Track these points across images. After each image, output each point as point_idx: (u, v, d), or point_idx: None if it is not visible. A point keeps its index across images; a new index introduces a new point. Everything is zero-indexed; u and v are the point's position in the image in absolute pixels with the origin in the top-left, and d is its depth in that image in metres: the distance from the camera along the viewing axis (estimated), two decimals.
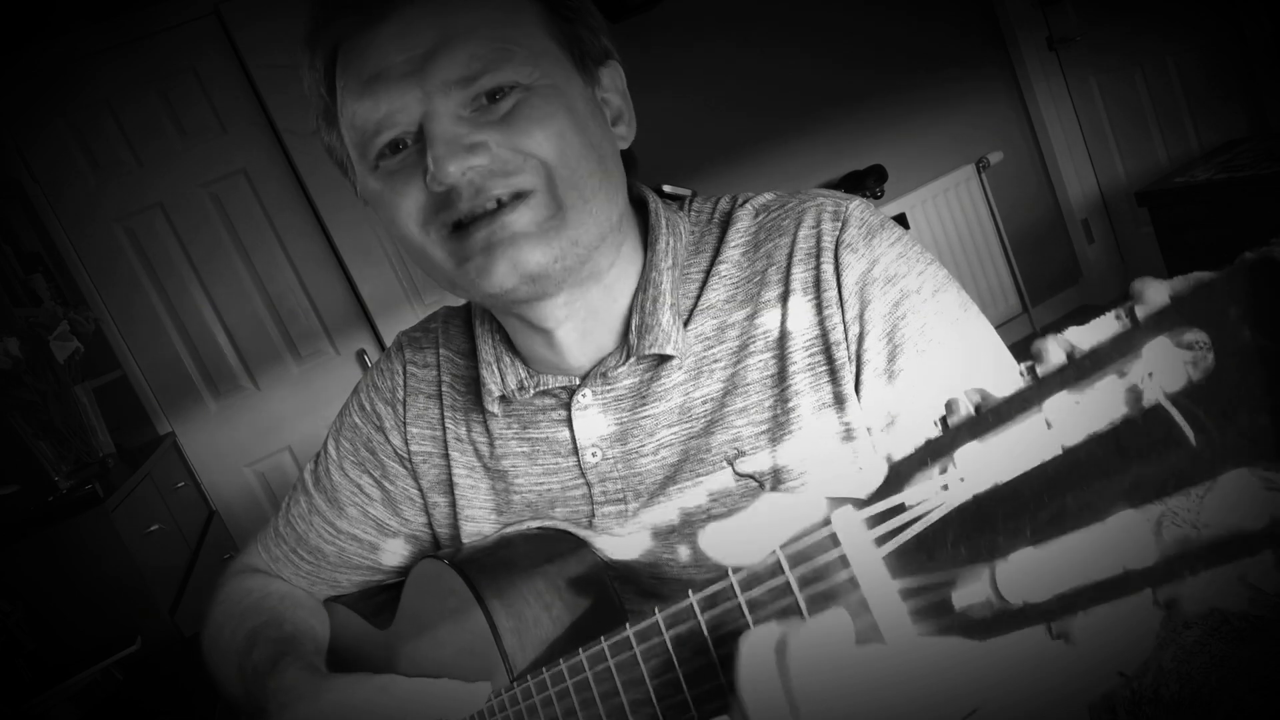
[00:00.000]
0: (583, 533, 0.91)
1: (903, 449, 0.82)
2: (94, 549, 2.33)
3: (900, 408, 0.81)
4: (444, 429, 1.01)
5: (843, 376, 0.82)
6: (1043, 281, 4.09)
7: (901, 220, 3.74)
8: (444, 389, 1.01)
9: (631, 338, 0.88)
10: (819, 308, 0.83)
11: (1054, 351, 0.34)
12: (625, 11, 3.42)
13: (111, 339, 3.27)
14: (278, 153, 3.38)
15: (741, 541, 0.52)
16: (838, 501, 0.47)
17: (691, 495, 0.87)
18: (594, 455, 0.91)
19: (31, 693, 2.15)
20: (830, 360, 0.83)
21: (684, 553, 0.88)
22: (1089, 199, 4.05)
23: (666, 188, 0.97)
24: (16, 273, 3.06)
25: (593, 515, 0.91)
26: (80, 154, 3.23)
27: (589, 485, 0.91)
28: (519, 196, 0.79)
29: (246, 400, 3.44)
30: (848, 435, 0.83)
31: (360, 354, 3.50)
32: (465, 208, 0.79)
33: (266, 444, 3.44)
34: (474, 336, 0.99)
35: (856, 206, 0.86)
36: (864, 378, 0.82)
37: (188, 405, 3.38)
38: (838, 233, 0.84)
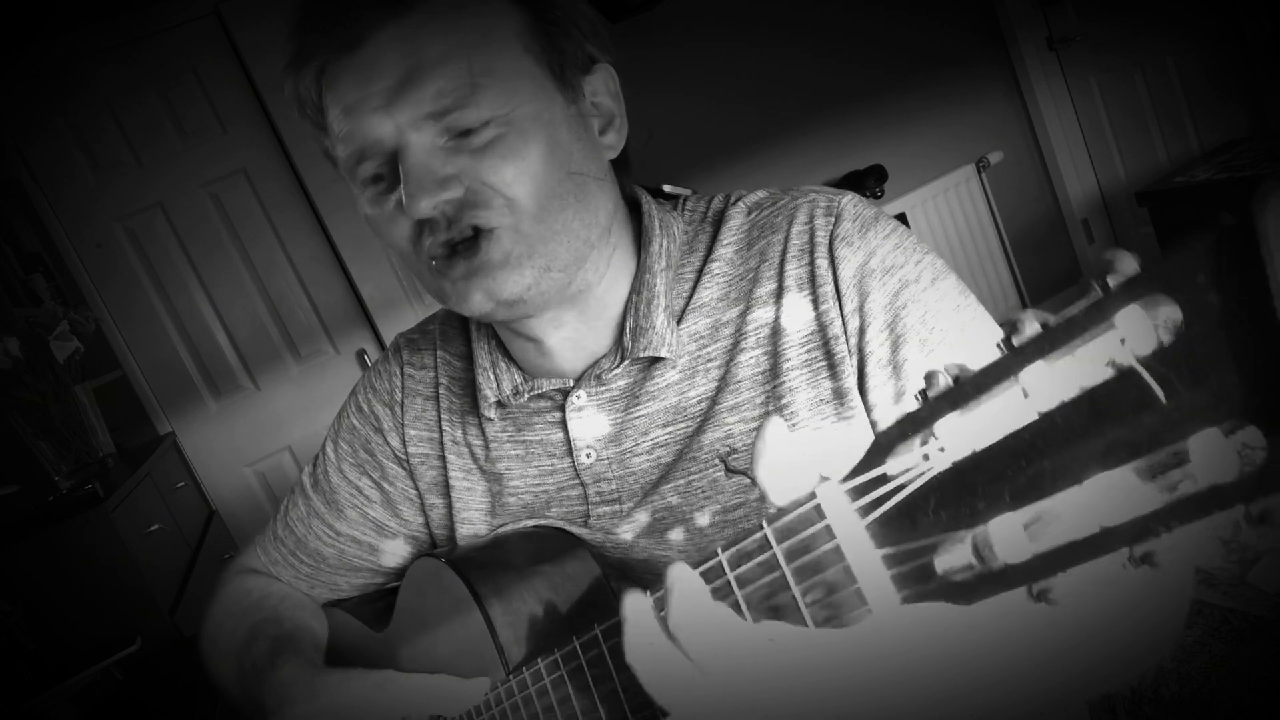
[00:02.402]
0: (578, 531, 0.92)
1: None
2: (94, 549, 2.34)
3: (906, 395, 0.81)
4: (440, 431, 1.01)
5: (842, 371, 0.82)
6: (1043, 281, 4.09)
7: (901, 220, 3.72)
8: (441, 391, 1.02)
9: (626, 340, 0.88)
10: (815, 303, 0.83)
11: (1029, 322, 0.35)
12: (625, 11, 3.42)
13: (111, 339, 3.28)
14: (278, 153, 3.38)
15: (793, 456, 0.52)
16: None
17: (682, 494, 0.87)
18: (588, 456, 0.91)
19: (31, 693, 2.15)
20: (829, 355, 0.83)
21: (675, 549, 0.88)
22: (1089, 199, 4.05)
23: (666, 187, 0.98)
24: (16, 273, 3.07)
25: (588, 515, 0.92)
26: (80, 154, 3.24)
27: (584, 486, 0.92)
28: (490, 230, 0.80)
29: (246, 400, 3.44)
30: (848, 429, 0.83)
31: (360, 354, 3.51)
32: (443, 237, 0.80)
33: (266, 444, 3.44)
34: (470, 340, 0.99)
35: (849, 201, 0.86)
36: (868, 370, 0.82)
37: (188, 405, 3.39)
38: (831, 227, 0.84)
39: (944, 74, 3.88)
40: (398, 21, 0.77)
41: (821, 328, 0.83)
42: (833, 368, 0.83)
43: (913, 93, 3.86)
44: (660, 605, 0.56)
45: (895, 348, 0.80)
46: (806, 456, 0.51)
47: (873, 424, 0.83)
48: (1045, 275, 4.09)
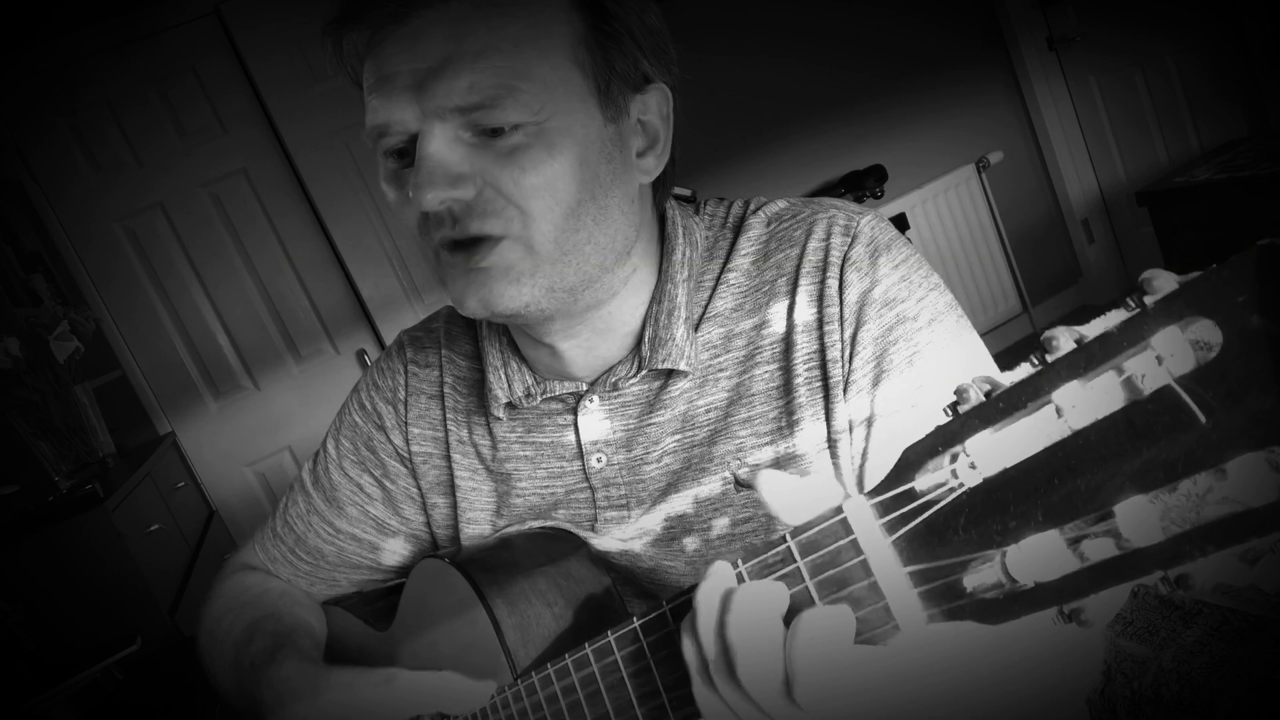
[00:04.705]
0: (584, 534, 0.91)
1: (876, 467, 0.82)
2: (94, 549, 2.33)
3: (873, 433, 0.81)
4: (446, 430, 1.00)
5: (836, 394, 0.82)
6: (1043, 281, 4.09)
7: (901, 220, 3.74)
8: (446, 390, 1.01)
9: (644, 349, 0.87)
10: (820, 322, 0.83)
11: (1064, 339, 0.35)
12: None
13: (111, 339, 3.27)
14: (278, 153, 3.37)
15: (800, 495, 0.52)
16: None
17: (692, 503, 0.87)
18: (599, 461, 0.91)
19: (31, 693, 2.14)
20: (825, 376, 0.83)
21: (683, 559, 0.88)
22: (1089, 199, 4.05)
23: None
24: (16, 273, 3.06)
25: (595, 519, 0.91)
26: (81, 154, 3.23)
27: (592, 490, 0.91)
28: (496, 238, 0.77)
29: (246, 400, 3.44)
30: (833, 451, 0.83)
31: (360, 354, 3.50)
32: (445, 234, 0.78)
33: (266, 444, 3.44)
34: (477, 338, 0.98)
35: (867, 223, 0.84)
36: (848, 395, 0.81)
37: (188, 405, 3.38)
38: (845, 249, 0.83)
39: (944, 74, 3.88)
40: (447, 4, 0.74)
41: (822, 348, 0.83)
42: (828, 389, 0.82)
43: (913, 93, 3.86)
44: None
45: (876, 381, 0.80)
46: (807, 483, 0.51)
47: (832, 442, 0.83)
48: (1045, 275, 4.10)
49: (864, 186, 3.69)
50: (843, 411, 0.82)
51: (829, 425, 0.83)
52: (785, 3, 3.68)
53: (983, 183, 3.89)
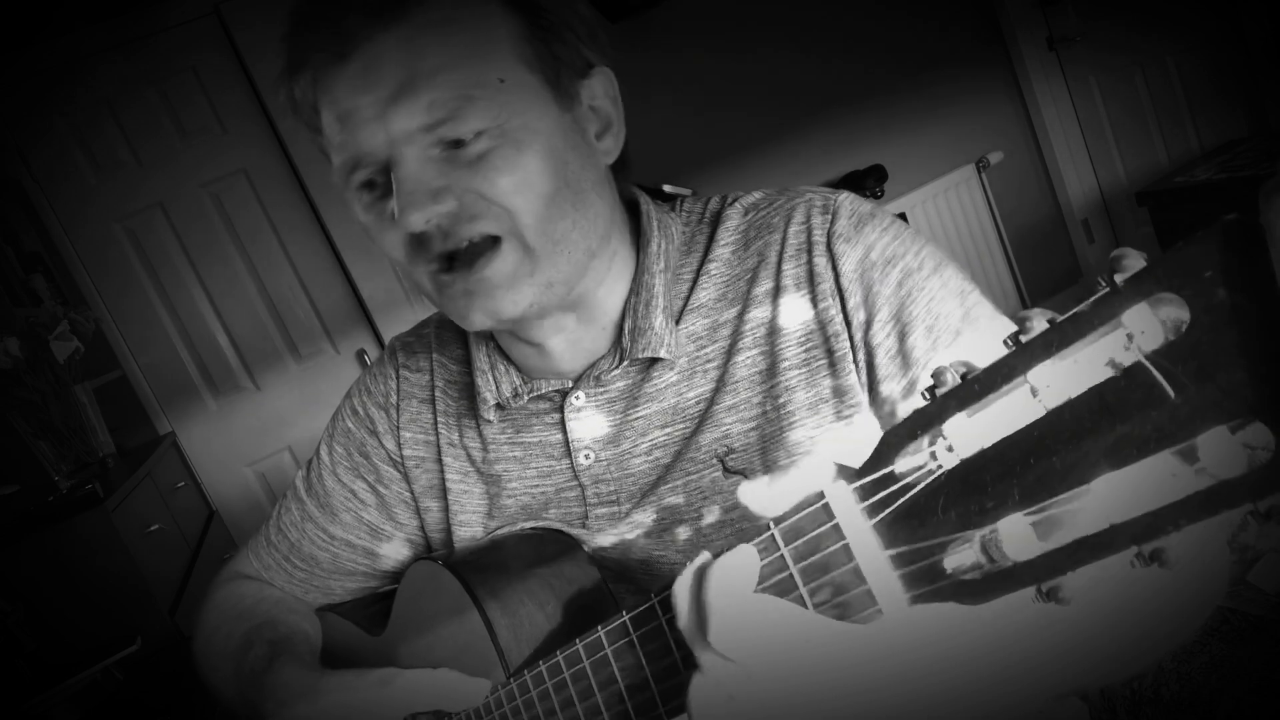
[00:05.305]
0: (576, 532, 0.92)
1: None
2: (94, 549, 2.34)
3: (919, 385, 0.80)
4: (437, 434, 1.00)
5: (843, 368, 0.82)
6: (1043, 281, 4.09)
7: (901, 220, 3.73)
8: (437, 394, 1.01)
9: (625, 340, 0.88)
10: (814, 301, 0.83)
11: (1037, 320, 0.35)
12: (625, 12, 3.42)
13: (111, 339, 3.28)
14: (278, 153, 3.38)
15: (778, 495, 0.52)
16: (844, 469, 0.48)
17: (682, 494, 0.87)
18: (587, 457, 0.91)
19: (31, 693, 2.15)
20: (830, 353, 0.83)
21: (674, 549, 0.88)
22: (1089, 199, 4.05)
23: (666, 187, 0.97)
24: (16, 273, 3.07)
25: (586, 516, 0.91)
26: (80, 154, 3.24)
27: (582, 487, 0.92)
28: (490, 241, 0.79)
29: (246, 400, 3.44)
30: (848, 427, 0.83)
31: (360, 354, 3.51)
32: (438, 249, 0.80)
33: (266, 444, 3.44)
34: (467, 343, 0.99)
35: (845, 199, 0.86)
36: (878, 362, 0.82)
37: (188, 405, 3.39)
38: (828, 225, 0.84)
39: (944, 74, 3.88)
40: (390, 32, 0.76)
41: (821, 325, 0.83)
42: (833, 365, 0.83)
43: (913, 93, 3.86)
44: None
45: (902, 337, 0.80)
46: (782, 481, 0.52)
47: (887, 417, 0.83)
48: (1045, 275, 4.09)
49: (864, 186, 3.69)
50: (853, 381, 0.82)
51: (840, 398, 0.83)
52: (784, 1, 3.68)
53: (983, 183, 3.89)
